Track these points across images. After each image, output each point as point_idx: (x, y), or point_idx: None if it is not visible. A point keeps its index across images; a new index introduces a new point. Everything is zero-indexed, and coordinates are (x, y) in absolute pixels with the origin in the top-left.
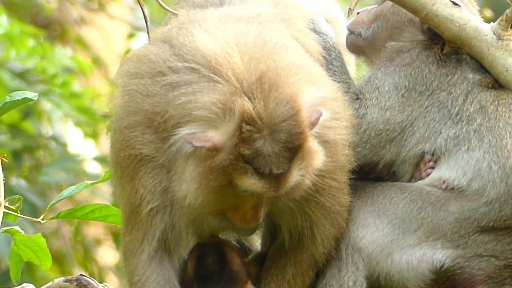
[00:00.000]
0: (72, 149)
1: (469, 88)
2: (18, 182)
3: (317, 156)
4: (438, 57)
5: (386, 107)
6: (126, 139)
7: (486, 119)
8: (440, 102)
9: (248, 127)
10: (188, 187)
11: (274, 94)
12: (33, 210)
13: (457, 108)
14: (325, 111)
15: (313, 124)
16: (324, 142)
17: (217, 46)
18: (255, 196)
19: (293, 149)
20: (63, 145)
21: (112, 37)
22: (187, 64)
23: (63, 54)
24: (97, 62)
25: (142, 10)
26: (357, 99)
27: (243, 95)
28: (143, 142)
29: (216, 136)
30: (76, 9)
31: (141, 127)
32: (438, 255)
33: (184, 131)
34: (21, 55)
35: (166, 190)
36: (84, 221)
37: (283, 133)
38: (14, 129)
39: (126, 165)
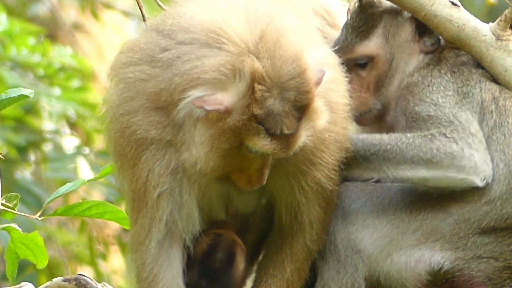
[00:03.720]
0: (67, 146)
1: (479, 79)
2: (23, 175)
3: (322, 116)
4: (448, 66)
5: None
6: (126, 126)
7: (498, 114)
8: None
9: (260, 87)
10: (199, 151)
11: (279, 52)
12: (38, 203)
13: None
14: (328, 71)
15: (317, 83)
16: (327, 105)
17: (210, 15)
18: (263, 157)
19: (302, 108)
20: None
21: (105, 47)
22: (183, 36)
23: (64, 52)
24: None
25: (141, 11)
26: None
27: (251, 55)
28: (148, 125)
29: (227, 97)
30: (69, 16)
31: (143, 111)
32: (437, 257)
33: (193, 95)
34: (21, 53)
35: (175, 170)
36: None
37: (292, 91)
38: (19, 123)
39: (125, 152)
